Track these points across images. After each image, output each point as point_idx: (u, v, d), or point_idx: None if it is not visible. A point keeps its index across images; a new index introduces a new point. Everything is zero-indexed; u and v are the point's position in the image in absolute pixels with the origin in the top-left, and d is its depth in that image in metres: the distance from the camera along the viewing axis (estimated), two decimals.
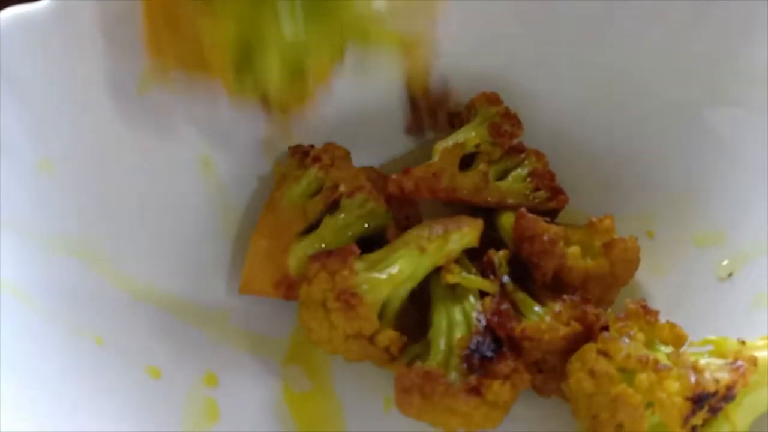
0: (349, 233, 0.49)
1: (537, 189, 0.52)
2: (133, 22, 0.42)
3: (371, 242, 0.48)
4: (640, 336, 0.44)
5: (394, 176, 0.49)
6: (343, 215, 0.49)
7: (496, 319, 0.44)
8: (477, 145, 0.51)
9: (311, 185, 0.50)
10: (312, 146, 0.51)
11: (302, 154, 0.51)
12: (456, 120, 0.54)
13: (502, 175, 0.52)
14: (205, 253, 0.51)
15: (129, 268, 0.47)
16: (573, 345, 0.44)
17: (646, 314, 0.45)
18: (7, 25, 0.42)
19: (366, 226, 0.49)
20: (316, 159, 0.50)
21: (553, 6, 0.52)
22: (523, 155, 0.52)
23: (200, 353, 0.48)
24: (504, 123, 0.52)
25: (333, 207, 0.49)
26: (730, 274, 0.52)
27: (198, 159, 0.50)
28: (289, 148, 0.52)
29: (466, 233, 0.46)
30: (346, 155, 0.51)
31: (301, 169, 0.50)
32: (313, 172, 0.50)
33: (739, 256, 0.51)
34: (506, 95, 0.53)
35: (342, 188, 0.49)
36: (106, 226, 0.46)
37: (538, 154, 0.53)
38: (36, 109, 0.43)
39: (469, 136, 0.52)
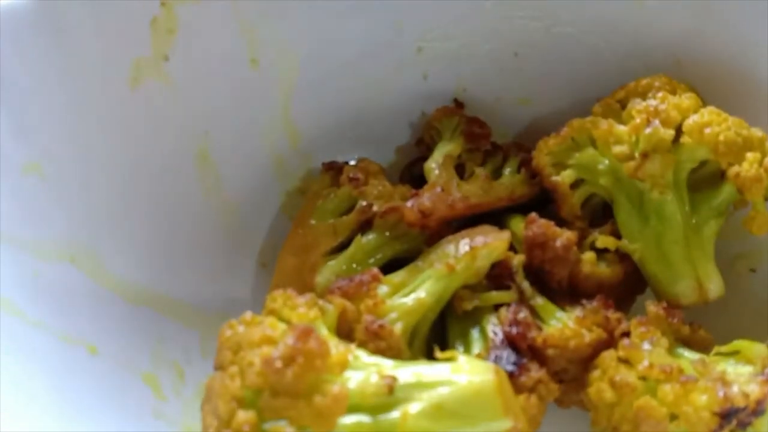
0: (380, 255, 0.47)
1: (534, 176, 0.49)
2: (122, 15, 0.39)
3: (401, 261, 0.46)
4: (663, 341, 0.42)
5: (408, 204, 0.47)
6: (374, 236, 0.47)
7: (514, 330, 0.42)
8: (459, 156, 0.50)
9: (343, 203, 0.48)
10: (346, 163, 0.49)
11: (336, 171, 0.49)
12: (422, 144, 0.53)
13: (496, 175, 0.50)
14: (202, 254, 0.49)
15: (123, 270, 0.45)
16: (597, 352, 0.42)
17: (668, 317, 0.43)
18: None
19: (398, 247, 0.47)
20: (352, 179, 0.48)
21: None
22: (502, 152, 0.51)
23: (200, 361, 0.46)
24: (473, 128, 0.51)
25: (365, 226, 0.47)
26: (753, 270, 0.50)
27: (194, 152, 0.48)
28: (323, 164, 0.50)
29: (494, 247, 0.44)
30: (380, 171, 0.49)
31: (333, 186, 0.48)
32: (346, 190, 0.48)
33: (761, 250, 0.50)
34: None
35: (375, 208, 0.47)
36: (97, 227, 0.44)
37: (518, 145, 0.51)
38: (20, 109, 0.41)
39: (449, 148, 0.50)
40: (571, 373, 0.43)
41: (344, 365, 0.36)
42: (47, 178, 0.42)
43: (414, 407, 0.36)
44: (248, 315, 0.38)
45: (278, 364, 0.34)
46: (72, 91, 0.42)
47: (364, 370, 0.37)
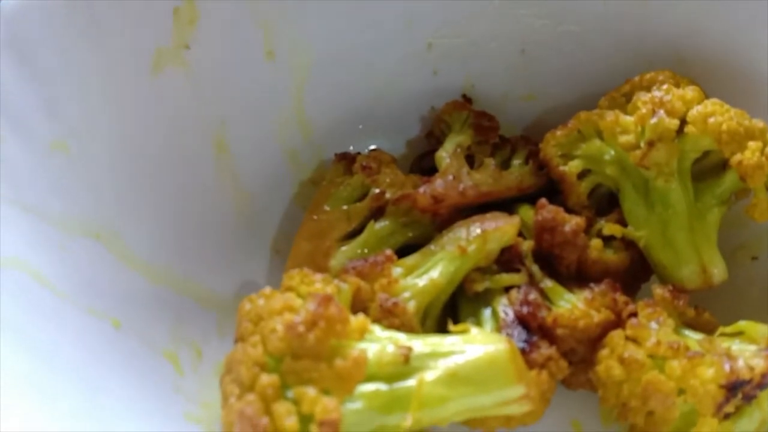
0: (392, 241, 0.48)
1: (541, 167, 0.51)
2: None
3: (413, 248, 0.47)
4: (670, 322, 0.43)
5: (420, 190, 0.48)
6: (387, 222, 0.48)
7: (525, 309, 0.43)
8: (469, 147, 0.51)
9: (356, 191, 0.49)
10: (358, 153, 0.51)
11: (349, 161, 0.50)
12: (432, 137, 0.54)
13: (505, 166, 0.51)
14: (219, 239, 0.50)
15: (145, 251, 0.46)
16: (605, 333, 0.43)
17: (674, 299, 0.44)
18: (22, 4, 0.40)
19: (410, 234, 0.48)
20: (365, 168, 0.49)
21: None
22: (510, 145, 0.52)
23: (217, 341, 0.47)
24: (482, 121, 0.52)
25: (378, 213, 0.48)
26: (755, 258, 0.51)
27: (211, 141, 0.49)
28: (336, 154, 0.51)
29: (505, 230, 0.45)
30: (392, 161, 0.50)
31: (346, 174, 0.50)
32: (359, 178, 0.49)
33: (761, 239, 0.51)
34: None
35: (388, 195, 0.48)
36: (121, 207, 0.45)
37: (525, 138, 0.53)
38: (50, 88, 0.42)
39: (459, 139, 0.51)
40: (580, 354, 0.44)
41: (363, 332, 0.37)
42: (73, 157, 0.43)
43: (429, 375, 0.37)
44: (267, 289, 0.39)
45: (301, 328, 0.35)
46: (98, 75, 0.43)
47: (379, 342, 0.38)
